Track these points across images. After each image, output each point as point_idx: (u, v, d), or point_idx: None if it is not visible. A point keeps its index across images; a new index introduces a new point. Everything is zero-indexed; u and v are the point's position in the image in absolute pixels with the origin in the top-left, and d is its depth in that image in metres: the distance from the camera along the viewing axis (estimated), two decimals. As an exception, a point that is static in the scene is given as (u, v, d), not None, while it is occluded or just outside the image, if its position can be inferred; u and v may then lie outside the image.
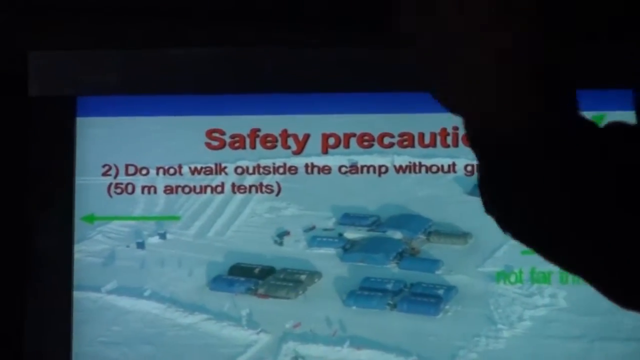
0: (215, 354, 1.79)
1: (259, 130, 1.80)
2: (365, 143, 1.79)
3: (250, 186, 1.81)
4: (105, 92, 1.79)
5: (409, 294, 1.80)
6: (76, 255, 1.81)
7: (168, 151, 1.83)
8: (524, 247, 1.79)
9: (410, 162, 1.79)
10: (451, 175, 1.79)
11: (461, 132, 1.79)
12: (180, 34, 1.80)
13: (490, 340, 1.77)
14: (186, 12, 1.77)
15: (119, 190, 1.81)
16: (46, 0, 1.72)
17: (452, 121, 1.80)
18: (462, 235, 1.80)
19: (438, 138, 1.78)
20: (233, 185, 1.81)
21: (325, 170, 1.80)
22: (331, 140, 1.79)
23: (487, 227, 1.81)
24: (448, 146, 1.78)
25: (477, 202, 1.82)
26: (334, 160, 1.81)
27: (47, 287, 1.78)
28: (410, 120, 1.78)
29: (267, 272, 1.82)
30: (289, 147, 1.81)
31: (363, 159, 1.80)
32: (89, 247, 1.82)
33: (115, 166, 1.81)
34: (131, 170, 1.81)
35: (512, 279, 1.78)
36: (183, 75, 1.80)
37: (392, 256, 1.83)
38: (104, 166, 1.81)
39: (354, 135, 1.79)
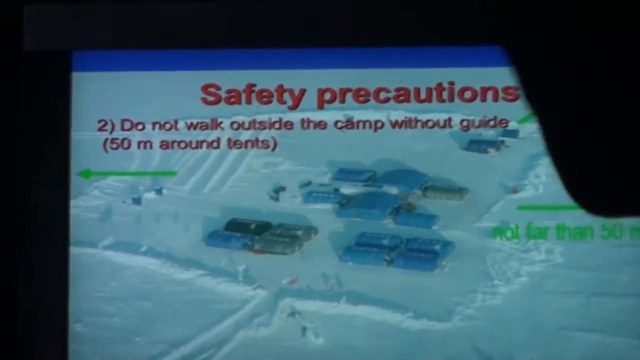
0: (212, 309, 1.77)
1: (254, 85, 1.78)
2: (361, 98, 1.77)
3: (246, 141, 1.79)
4: (101, 47, 1.77)
5: (405, 250, 1.78)
6: (72, 211, 1.79)
7: (164, 106, 1.80)
8: (519, 203, 1.79)
9: (406, 117, 1.77)
10: (447, 130, 1.77)
11: (457, 86, 1.79)
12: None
13: (487, 295, 1.75)
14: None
15: (114, 146, 1.79)
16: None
17: (447, 76, 1.82)
18: (458, 191, 1.78)
19: (434, 93, 1.76)
20: (229, 140, 1.79)
21: (321, 125, 1.78)
22: (327, 95, 1.77)
23: (483, 182, 1.82)
24: (444, 101, 1.76)
25: (473, 157, 1.83)
26: (329, 115, 1.79)
27: (43, 243, 1.77)
28: (406, 75, 1.76)
29: (263, 227, 1.80)
30: (284, 102, 1.78)
31: (359, 114, 1.78)
32: (85, 203, 1.80)
33: (111, 121, 1.79)
34: (127, 125, 1.79)
35: (509, 234, 1.76)
36: (178, 30, 1.78)
37: (389, 211, 1.81)
38: (99, 121, 1.79)
39: (349, 90, 1.77)
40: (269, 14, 1.76)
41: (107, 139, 1.80)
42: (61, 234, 1.78)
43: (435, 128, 1.77)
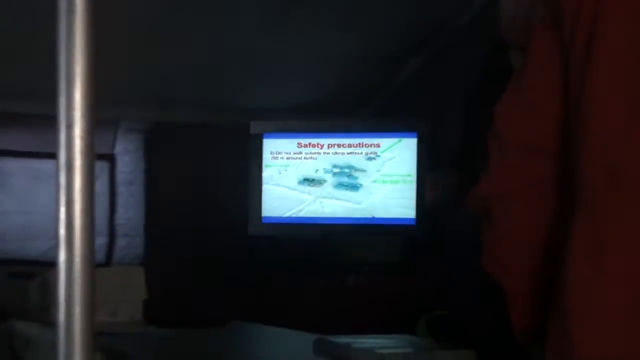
0: (302, 200, 4.52)
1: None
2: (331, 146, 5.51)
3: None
4: (274, 131, 4.41)
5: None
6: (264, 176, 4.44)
7: (285, 148, 4.58)
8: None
9: (349, 152, 5.37)
10: (361, 154, 4.53)
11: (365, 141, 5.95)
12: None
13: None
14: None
15: (272, 157, 4.43)
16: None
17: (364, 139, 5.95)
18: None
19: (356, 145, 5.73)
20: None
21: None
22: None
23: (370, 170, 6.05)
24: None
25: (369, 161, 6.00)
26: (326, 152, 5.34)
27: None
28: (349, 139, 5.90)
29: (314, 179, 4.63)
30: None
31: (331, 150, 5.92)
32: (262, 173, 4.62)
33: (273, 152, 4.44)
34: (275, 153, 4.52)
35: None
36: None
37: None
38: (270, 152, 4.42)
39: (331, 144, 5.27)
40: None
41: (271, 156, 4.49)
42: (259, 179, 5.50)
43: (356, 153, 4.54)
